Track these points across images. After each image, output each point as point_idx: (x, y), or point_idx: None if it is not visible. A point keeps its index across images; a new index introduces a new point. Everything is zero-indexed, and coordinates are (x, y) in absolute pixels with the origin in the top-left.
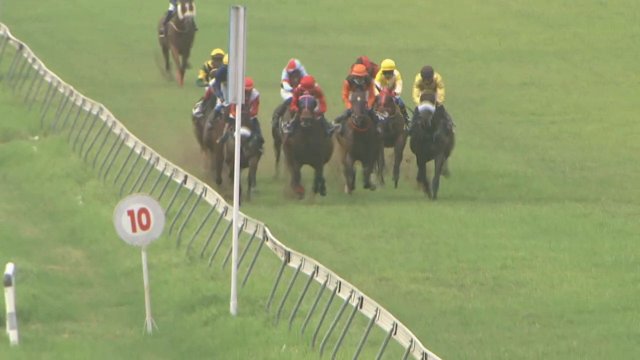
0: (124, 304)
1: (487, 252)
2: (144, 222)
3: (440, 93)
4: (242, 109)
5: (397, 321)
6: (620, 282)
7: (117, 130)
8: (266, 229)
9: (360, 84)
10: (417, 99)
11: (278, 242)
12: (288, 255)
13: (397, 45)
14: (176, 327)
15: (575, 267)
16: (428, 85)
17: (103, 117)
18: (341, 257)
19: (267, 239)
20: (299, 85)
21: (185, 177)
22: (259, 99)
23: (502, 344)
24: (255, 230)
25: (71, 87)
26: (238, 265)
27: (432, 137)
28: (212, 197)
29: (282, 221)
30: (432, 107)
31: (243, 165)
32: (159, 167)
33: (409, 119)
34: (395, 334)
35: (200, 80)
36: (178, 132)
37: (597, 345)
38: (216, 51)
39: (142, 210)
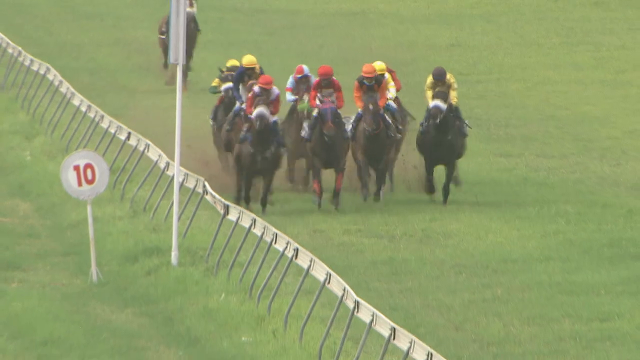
0: (70, 254)
1: (415, 206)
2: (89, 176)
3: (453, 95)
4: (263, 106)
5: (330, 271)
6: (542, 234)
7: (63, 89)
8: (206, 183)
9: (370, 85)
10: (431, 101)
11: (217, 196)
12: (226, 209)
13: (329, 9)
14: (120, 277)
15: (500, 219)
16: (441, 87)
17: (50, 77)
18: (277, 211)
19: (206, 193)
20: (317, 79)
21: (129, 133)
22: (279, 97)
23: (430, 293)
24: (195, 185)
25: (20, 48)
26: (179, 218)
27: (445, 140)
28: (155, 152)
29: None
30: (443, 105)
31: (257, 174)
32: (104, 124)
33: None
34: (329, 283)
35: (214, 87)
36: (122, 91)
37: (520, 293)
38: (231, 62)
39: (88, 166)
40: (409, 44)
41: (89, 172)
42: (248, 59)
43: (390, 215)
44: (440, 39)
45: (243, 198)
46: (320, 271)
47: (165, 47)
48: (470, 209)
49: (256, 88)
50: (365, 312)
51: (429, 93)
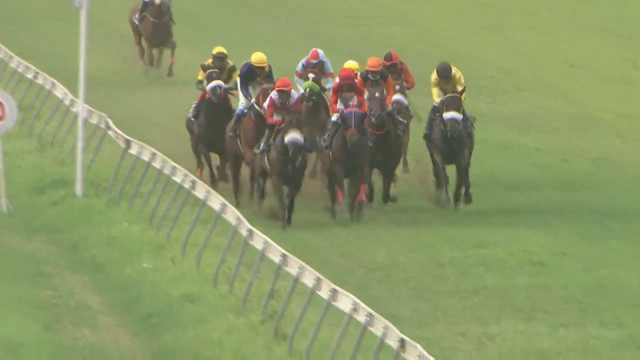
0: None
1: None
2: None
3: (460, 90)
4: (289, 111)
5: (225, 201)
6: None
7: None
8: (108, 120)
9: (375, 80)
10: (437, 99)
11: (119, 132)
12: (128, 143)
13: None
14: (28, 207)
15: None
16: (447, 84)
17: None
18: (175, 145)
19: (109, 129)
20: (337, 80)
21: (36, 73)
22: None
23: (324, 225)
24: (99, 121)
25: None
26: (83, 152)
27: (455, 145)
28: (60, 91)
29: (124, 113)
30: (459, 116)
31: (285, 182)
32: (13, 65)
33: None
34: (224, 213)
35: (200, 82)
36: (29, 32)
37: (406, 226)
38: (218, 49)
39: None
40: None
41: None
42: (258, 57)
43: None
44: None
45: (282, 210)
46: (215, 201)
47: (139, 35)
48: None
49: (274, 93)
50: (258, 240)
51: (435, 91)
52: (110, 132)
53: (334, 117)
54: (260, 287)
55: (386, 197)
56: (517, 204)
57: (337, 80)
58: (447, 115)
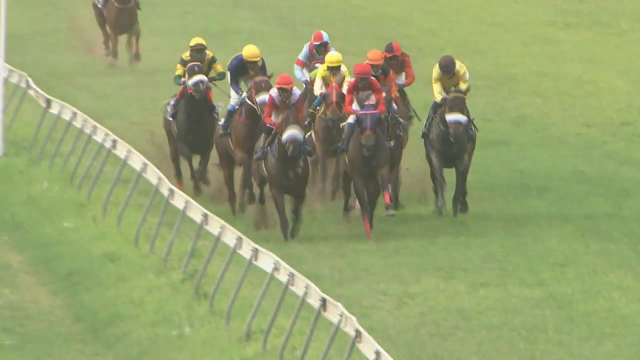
0: None
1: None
2: None
3: (464, 88)
4: (289, 108)
5: (146, 160)
6: None
7: None
8: (29, 79)
9: (376, 75)
10: (439, 97)
11: (40, 91)
12: (48, 103)
13: None
14: None
15: None
16: (449, 79)
17: None
18: (97, 104)
19: (29, 88)
20: (352, 79)
21: None
22: (302, 99)
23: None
24: (19, 80)
25: None
26: (4, 112)
27: (454, 148)
28: None
29: (44, 72)
30: (463, 118)
31: (286, 191)
32: None
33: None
34: (145, 172)
35: (179, 76)
36: None
37: None
38: (195, 41)
39: None
40: None
41: None
42: (251, 51)
43: None
44: None
45: (282, 224)
46: (136, 160)
47: (102, 20)
48: None
49: (274, 91)
50: (179, 200)
51: (436, 87)
52: (30, 92)
53: (350, 119)
54: (181, 247)
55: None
56: None
57: (348, 79)
58: (451, 117)
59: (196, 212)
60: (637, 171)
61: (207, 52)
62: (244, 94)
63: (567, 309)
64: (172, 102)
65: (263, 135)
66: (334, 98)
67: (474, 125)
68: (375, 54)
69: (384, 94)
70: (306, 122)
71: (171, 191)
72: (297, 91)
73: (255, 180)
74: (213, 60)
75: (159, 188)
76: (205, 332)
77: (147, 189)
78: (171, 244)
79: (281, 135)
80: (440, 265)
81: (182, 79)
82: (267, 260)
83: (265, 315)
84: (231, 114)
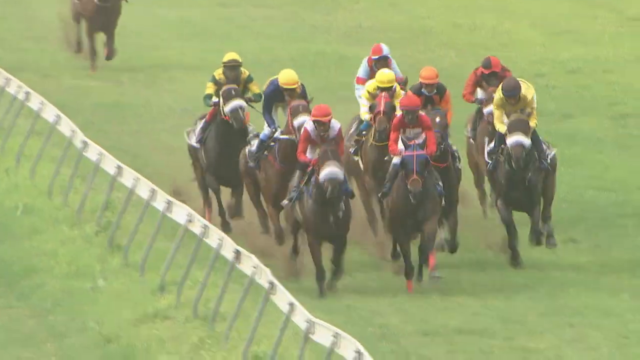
0: None
1: (142, 52)
2: None
3: (532, 117)
4: (328, 144)
5: (60, 112)
6: None
7: None
8: None
9: (430, 95)
10: (502, 127)
11: None
12: None
13: None
14: None
15: None
16: (514, 105)
17: None
18: (9, 57)
19: None
20: (399, 113)
21: None
22: (342, 132)
23: (155, 134)
24: None
25: None
26: None
27: (524, 178)
28: None
29: None
30: (526, 141)
31: (324, 238)
32: None
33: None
34: (59, 125)
35: (209, 96)
36: None
37: None
38: (230, 56)
39: None
40: None
41: None
42: (288, 76)
43: (116, 59)
44: None
45: (318, 276)
46: (50, 113)
47: (77, 18)
48: (193, 55)
49: (309, 125)
50: (93, 151)
51: (498, 114)
52: None
53: (395, 160)
54: (95, 199)
55: (452, 244)
56: None
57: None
58: (511, 139)
59: (110, 164)
60: (548, 122)
61: (242, 70)
62: (278, 132)
63: None
64: (199, 125)
65: (297, 172)
66: (382, 107)
67: (550, 160)
68: (430, 72)
69: (438, 119)
70: (352, 150)
71: (84, 143)
72: (336, 124)
73: (289, 224)
74: (249, 80)
75: (72, 140)
76: (119, 284)
77: (61, 141)
78: (85, 196)
79: (318, 174)
80: None
81: (214, 100)
82: (180, 212)
83: (180, 268)
84: (263, 144)
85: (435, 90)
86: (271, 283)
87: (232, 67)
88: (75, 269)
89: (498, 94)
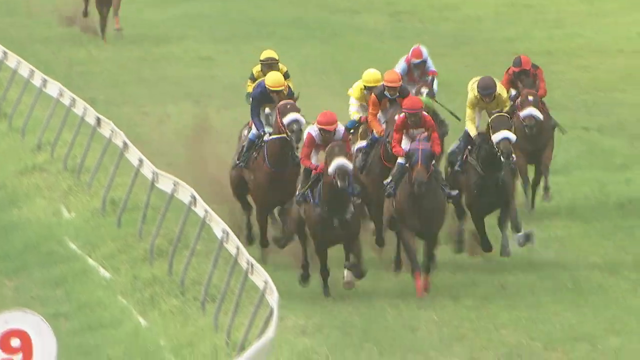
0: None
1: None
2: None
3: (505, 110)
4: (335, 141)
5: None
6: None
7: None
8: None
9: (392, 98)
10: (473, 129)
11: None
12: None
13: None
14: None
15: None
16: (488, 103)
17: None
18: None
19: None
20: (401, 114)
21: None
22: (347, 136)
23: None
24: None
25: None
26: None
27: (496, 180)
28: None
29: None
30: (512, 136)
31: (331, 244)
32: None
33: None
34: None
35: (250, 94)
36: None
37: None
38: (267, 54)
39: None
40: None
41: None
42: (274, 79)
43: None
44: None
45: (322, 276)
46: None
47: None
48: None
49: (313, 131)
50: (53, 88)
51: (471, 113)
52: None
53: (400, 160)
54: None
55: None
56: None
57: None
58: (498, 136)
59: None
60: (344, 16)
61: (281, 65)
62: (267, 134)
63: None
64: (243, 143)
65: (302, 175)
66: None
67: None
68: (393, 75)
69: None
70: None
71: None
72: (341, 128)
73: (292, 227)
74: (286, 76)
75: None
76: (5, 144)
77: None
78: None
79: (327, 167)
80: (191, 92)
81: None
82: (53, 87)
83: (53, 131)
84: (252, 144)
85: (398, 94)
86: (125, 143)
87: (269, 65)
88: None
89: (472, 92)
